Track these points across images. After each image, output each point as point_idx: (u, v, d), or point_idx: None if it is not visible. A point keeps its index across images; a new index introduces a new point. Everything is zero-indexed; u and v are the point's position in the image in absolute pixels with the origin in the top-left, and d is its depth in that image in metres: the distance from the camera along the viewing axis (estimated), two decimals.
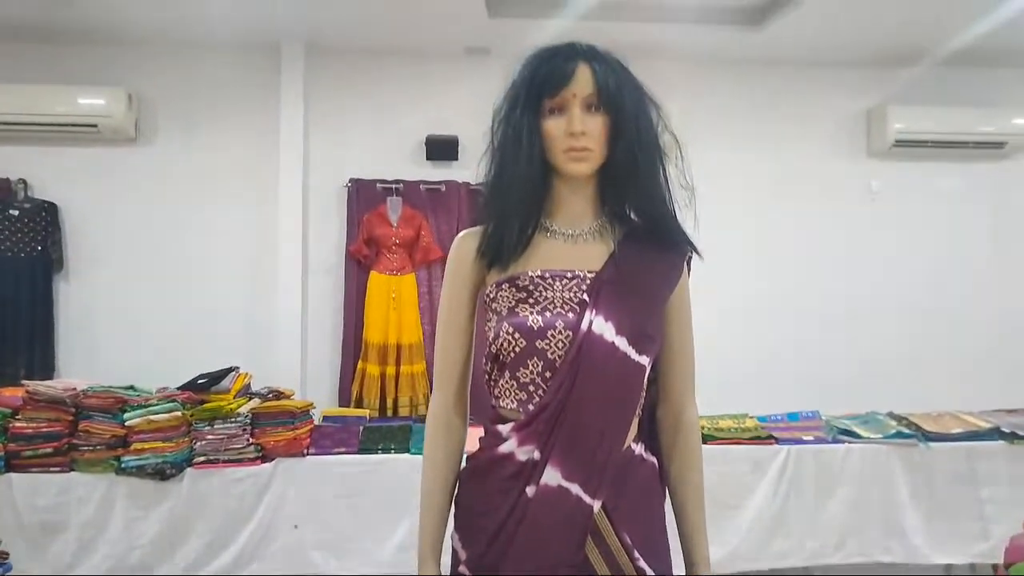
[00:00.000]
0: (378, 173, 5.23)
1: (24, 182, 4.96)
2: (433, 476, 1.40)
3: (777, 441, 3.61)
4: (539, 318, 1.32)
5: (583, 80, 1.31)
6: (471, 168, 5.45)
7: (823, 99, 5.29)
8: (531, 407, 1.31)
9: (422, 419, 4.16)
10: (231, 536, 3.56)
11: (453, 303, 1.43)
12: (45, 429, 3.55)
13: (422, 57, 5.15)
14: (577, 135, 1.31)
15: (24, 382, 3.77)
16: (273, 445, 3.64)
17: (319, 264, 5.18)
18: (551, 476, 1.27)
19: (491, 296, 1.38)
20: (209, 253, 5.12)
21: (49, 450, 3.54)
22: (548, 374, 1.30)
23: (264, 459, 3.64)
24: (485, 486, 1.34)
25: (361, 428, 3.83)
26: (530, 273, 1.34)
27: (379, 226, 5.12)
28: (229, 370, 3.94)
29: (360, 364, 4.96)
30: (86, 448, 3.56)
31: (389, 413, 4.79)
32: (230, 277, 5.12)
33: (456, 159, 5.34)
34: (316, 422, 3.90)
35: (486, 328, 1.40)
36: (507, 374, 1.34)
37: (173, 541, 3.53)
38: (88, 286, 5.02)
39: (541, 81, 1.33)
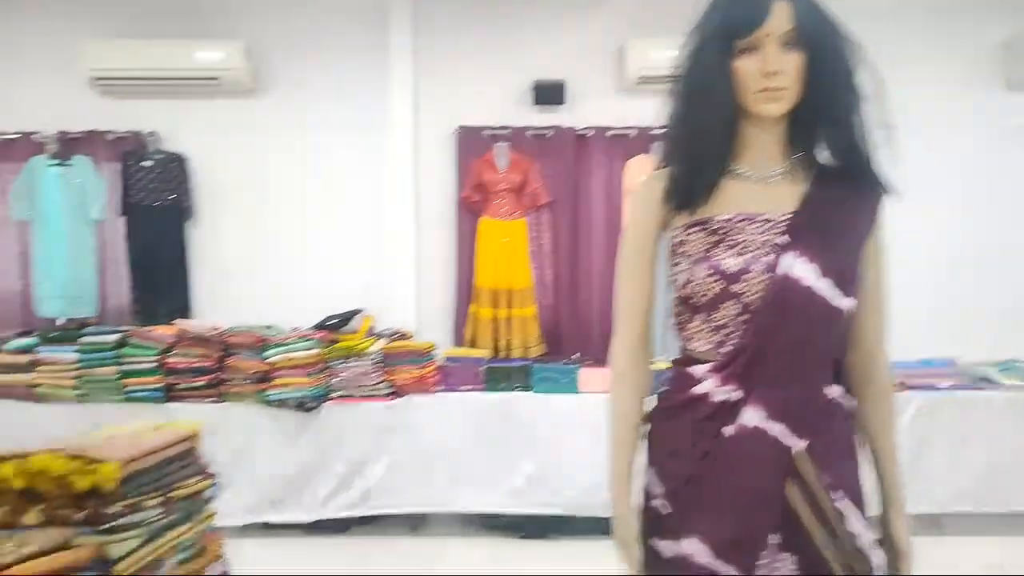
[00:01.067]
0: (486, 119, 5.28)
1: (155, 134, 5.24)
2: (621, 416, 1.44)
3: (910, 388, 3.57)
4: (735, 261, 1.32)
5: (780, 17, 1.29)
6: (578, 112, 5.50)
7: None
8: (726, 349, 1.34)
9: (538, 360, 4.32)
10: (365, 467, 3.81)
11: (637, 246, 1.45)
12: (196, 364, 3.85)
13: (530, 1, 5.12)
14: (772, 75, 1.30)
15: (175, 321, 4.07)
16: (403, 382, 3.84)
17: (430, 211, 5.31)
18: (750, 417, 1.29)
19: (679, 240, 1.39)
20: (326, 201, 5.31)
21: (201, 383, 3.84)
22: (744, 317, 1.31)
23: (395, 395, 3.84)
24: (679, 425, 1.37)
25: (483, 368, 3.98)
26: (722, 216, 1.34)
27: (487, 172, 5.19)
28: (355, 312, 4.15)
29: (472, 307, 5.10)
30: (234, 381, 3.84)
31: (501, 355, 4.93)
32: (345, 223, 5.31)
33: (563, 103, 5.32)
34: (439, 362, 4.07)
35: (673, 272, 1.42)
36: (700, 317, 1.36)
37: (315, 469, 3.80)
38: (216, 233, 5.31)
39: (735, 21, 1.31)
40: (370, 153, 5.30)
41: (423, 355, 3.92)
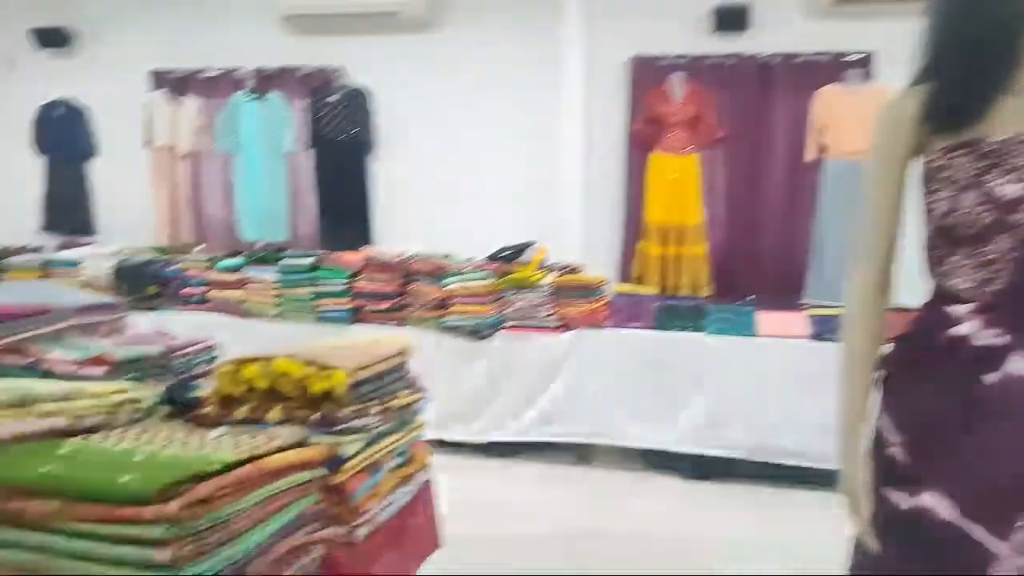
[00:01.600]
0: (661, 49, 5.08)
1: (340, 70, 5.49)
2: (854, 361, 1.34)
3: None
4: (1012, 188, 1.19)
5: None
6: (762, 39, 5.15)
7: None
8: (993, 288, 1.21)
9: (713, 301, 4.20)
10: (536, 395, 3.90)
11: (882, 173, 1.31)
12: (381, 289, 4.08)
13: None
14: None
15: (362, 247, 4.32)
16: (573, 315, 3.87)
17: (600, 144, 5.23)
18: (1018, 365, 1.17)
19: (939, 164, 1.25)
20: (498, 134, 5.37)
21: (385, 307, 4.07)
22: (1017, 252, 1.18)
23: (565, 328, 3.88)
24: (928, 371, 1.26)
25: (655, 306, 3.92)
26: (997, 137, 1.20)
27: (661, 104, 5.01)
28: (528, 244, 4.19)
29: (641, 244, 5.02)
30: (415, 307, 4.04)
31: (669, 294, 4.84)
32: (517, 156, 5.36)
33: (745, 29, 5.00)
34: (609, 297, 4.05)
35: (930, 200, 1.29)
36: (962, 251, 1.23)
37: (489, 394, 3.95)
38: (395, 165, 5.54)
39: None
40: (542, 87, 5.26)
41: (594, 289, 3.91)
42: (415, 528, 1.63)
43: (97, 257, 4.49)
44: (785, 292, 4.67)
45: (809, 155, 4.78)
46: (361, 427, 1.40)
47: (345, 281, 4.12)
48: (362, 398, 1.43)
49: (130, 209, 5.75)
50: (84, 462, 1.03)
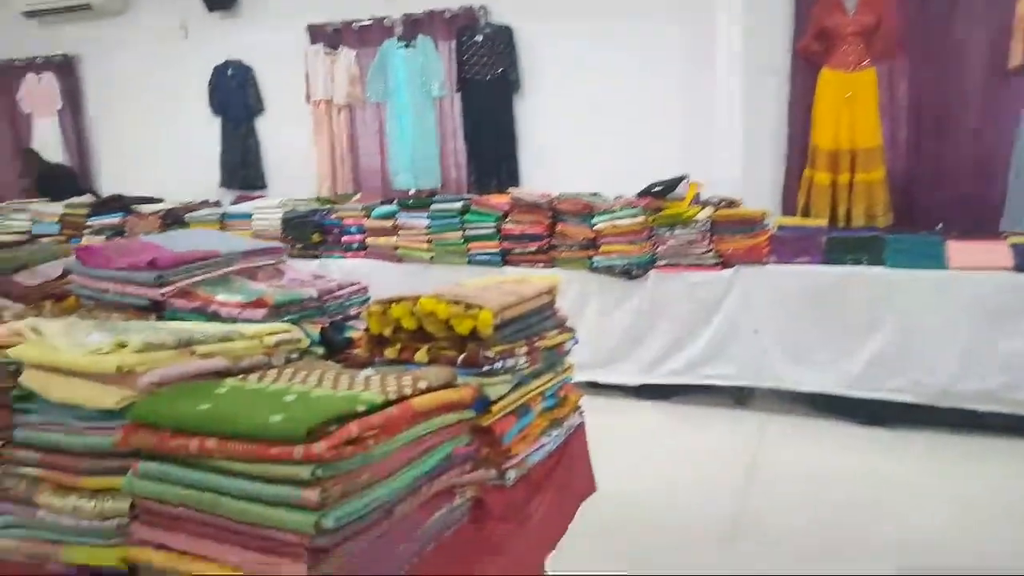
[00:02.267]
0: None
1: (485, 8, 5.40)
2: None
3: None
4: None
5: None
6: None
7: None
8: None
9: (892, 231, 3.80)
10: (691, 336, 3.74)
11: None
12: (529, 231, 4.03)
13: None
14: None
15: (509, 190, 4.28)
16: (732, 251, 3.63)
17: (761, 64, 4.80)
18: None
19: None
20: (647, 62, 5.09)
21: (533, 248, 4.03)
22: None
23: (724, 265, 3.66)
24: None
25: (824, 238, 3.59)
26: None
27: (832, 14, 4.51)
28: (680, 178, 3.97)
29: (807, 172, 4.61)
30: (563, 248, 3.97)
31: (840, 226, 4.43)
32: (669, 83, 5.06)
33: None
34: (771, 231, 3.76)
35: None
36: None
37: (641, 335, 3.83)
38: (541, 104, 5.42)
39: None
40: (694, 5, 4.90)
41: (755, 223, 3.65)
42: (569, 471, 1.58)
43: (266, 209, 4.77)
44: (979, 220, 4.13)
45: (1014, 60, 4.13)
46: (508, 368, 1.35)
47: (493, 224, 4.11)
48: (509, 338, 1.37)
49: (294, 163, 6.07)
50: (240, 401, 1.05)
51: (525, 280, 1.61)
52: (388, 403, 1.06)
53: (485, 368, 1.30)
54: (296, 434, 0.92)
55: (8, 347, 1.26)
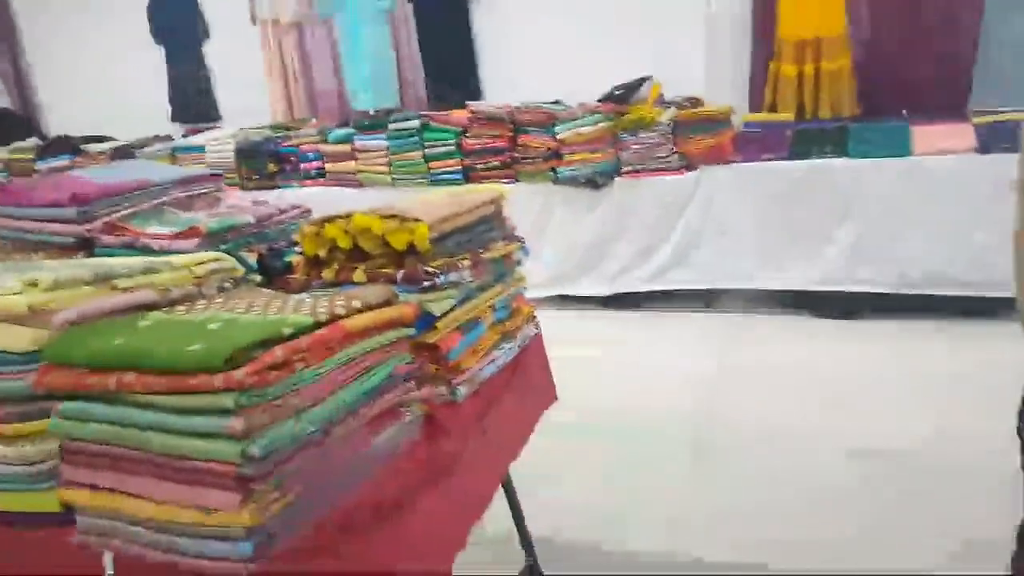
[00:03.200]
0: None
1: None
2: None
3: None
4: None
5: None
6: None
7: None
8: None
9: (856, 120, 3.73)
10: (659, 242, 3.71)
11: None
12: (490, 144, 3.93)
13: None
14: None
15: (468, 103, 4.14)
16: (696, 152, 3.57)
17: None
18: None
19: None
20: None
21: (496, 163, 3.93)
22: None
23: (688, 168, 3.60)
24: None
25: (790, 132, 3.53)
26: None
27: None
28: (642, 80, 3.85)
29: (773, 65, 4.47)
30: (526, 160, 3.87)
31: (808, 118, 4.35)
32: None
33: None
34: (736, 129, 3.68)
35: None
36: None
37: (608, 245, 3.79)
38: (498, 13, 5.19)
39: None
40: None
41: (718, 122, 3.57)
42: (526, 382, 1.56)
43: (218, 141, 4.61)
44: (947, 103, 4.06)
45: None
46: (452, 282, 1.30)
47: (454, 140, 3.99)
48: (450, 251, 1.32)
49: (247, 91, 5.81)
50: (160, 333, 1.00)
51: (468, 191, 1.54)
52: (318, 324, 1.01)
53: (426, 284, 1.25)
54: (214, 362, 0.88)
55: None
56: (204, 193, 1.77)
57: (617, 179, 3.71)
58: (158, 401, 0.91)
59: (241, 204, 1.78)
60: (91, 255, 1.53)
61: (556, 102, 3.98)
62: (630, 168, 3.69)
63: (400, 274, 1.25)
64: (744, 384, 2.96)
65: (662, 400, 2.88)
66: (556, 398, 1.72)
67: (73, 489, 1.00)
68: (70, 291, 1.09)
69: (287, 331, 0.97)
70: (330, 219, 1.30)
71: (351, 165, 4.23)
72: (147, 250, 1.50)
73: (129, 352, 0.94)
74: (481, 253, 1.41)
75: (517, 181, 3.91)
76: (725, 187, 3.53)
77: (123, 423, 0.94)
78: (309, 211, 1.77)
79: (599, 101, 3.85)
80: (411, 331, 1.19)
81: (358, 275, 1.28)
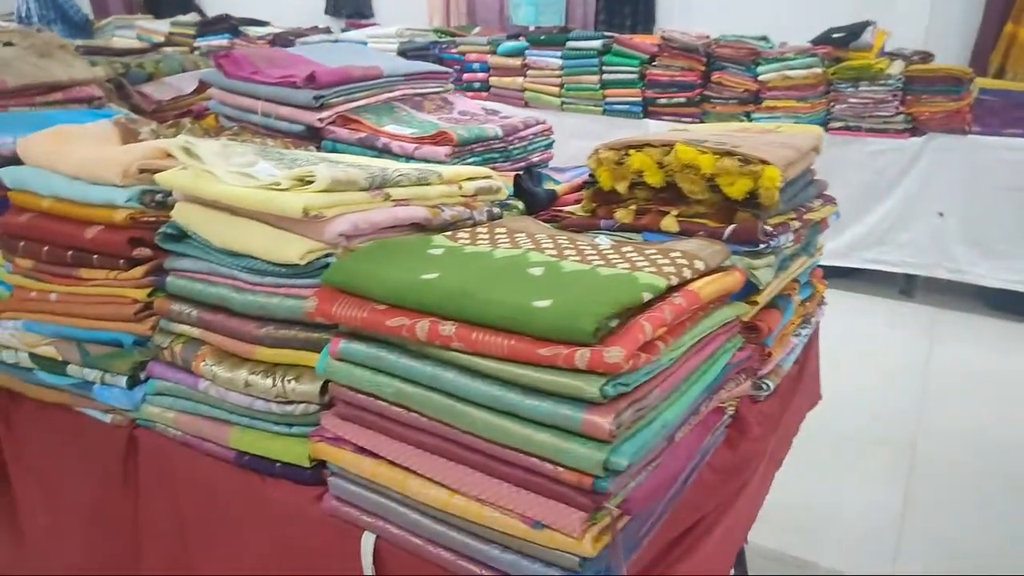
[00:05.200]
0: None
1: None
2: None
3: None
4: None
5: None
6: None
7: None
8: None
9: None
10: (862, 213, 3.28)
11: None
12: (678, 78, 3.54)
13: None
14: None
15: (659, 29, 3.74)
16: (928, 117, 3.08)
17: None
18: None
19: None
20: None
21: (682, 99, 3.55)
22: None
23: (913, 132, 3.13)
24: None
25: None
26: None
27: None
28: (865, 24, 3.34)
29: (1009, 27, 3.86)
30: (718, 100, 3.47)
31: None
32: None
33: None
34: (974, 95, 3.16)
35: None
36: None
37: None
38: None
39: None
40: None
41: (959, 83, 3.06)
42: (805, 377, 1.27)
43: (381, 39, 4.38)
44: None
45: None
46: (775, 247, 1.01)
47: (637, 68, 3.62)
48: (781, 208, 1.02)
49: None
50: (471, 271, 0.76)
51: (780, 129, 1.24)
52: (670, 289, 0.75)
53: (761, 246, 0.97)
54: (578, 329, 0.63)
55: (152, 171, 1.00)
56: (433, 93, 1.53)
57: (824, 134, 3.26)
58: (484, 366, 0.68)
59: (474, 110, 1.53)
60: (317, 148, 1.32)
61: (762, 38, 3.53)
62: (841, 124, 3.24)
63: (730, 229, 0.97)
64: (947, 388, 2.58)
65: (853, 393, 2.54)
66: (820, 396, 1.43)
67: (338, 447, 0.79)
68: (345, 195, 0.87)
69: (646, 295, 0.71)
70: (637, 145, 1.02)
71: (518, 81, 3.93)
72: (385, 152, 1.27)
73: (446, 293, 0.71)
74: (804, 213, 1.11)
75: (702, 122, 3.52)
76: (955, 161, 3.05)
77: (429, 385, 0.71)
78: (550, 129, 1.50)
79: (812, 43, 3.38)
80: (746, 308, 0.92)
81: (669, 222, 1.00)
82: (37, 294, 1.07)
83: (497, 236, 0.91)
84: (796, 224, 1.05)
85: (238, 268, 0.89)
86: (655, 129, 3.61)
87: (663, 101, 3.59)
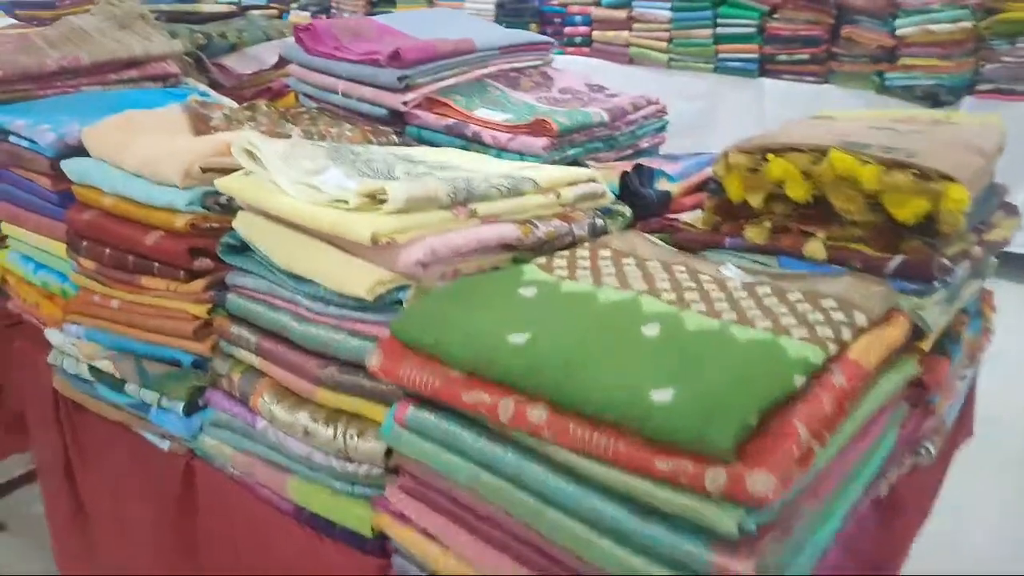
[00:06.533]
0: None
1: None
2: None
3: None
4: None
5: None
6: None
7: None
8: None
9: None
10: (1015, 190, 2.88)
11: None
12: (803, 32, 3.20)
13: None
14: None
15: None
16: None
17: None
18: None
19: None
20: None
21: (805, 56, 3.21)
22: None
23: None
24: None
25: None
26: None
27: None
28: None
29: None
30: (846, 58, 3.12)
31: None
32: None
33: None
34: None
35: None
36: None
37: None
38: None
39: None
40: None
41: None
42: (962, 418, 1.07)
43: None
44: None
45: None
46: (948, 282, 0.81)
47: (756, 21, 3.29)
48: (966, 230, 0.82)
49: None
50: (569, 328, 0.61)
51: (951, 119, 1.01)
52: (823, 364, 0.58)
53: (937, 283, 0.77)
54: (711, 442, 0.47)
55: (217, 171, 0.89)
56: (532, 67, 1.36)
57: (968, 98, 2.89)
58: (581, 467, 0.53)
59: (575, 87, 1.35)
60: (399, 134, 1.19)
61: None
62: (991, 86, 2.85)
63: (896, 262, 0.77)
64: None
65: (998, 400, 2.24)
66: (972, 432, 1.21)
67: (396, 522, 0.67)
68: (422, 215, 0.73)
69: (799, 379, 0.54)
70: (778, 148, 0.83)
71: (623, 35, 3.67)
72: (475, 142, 1.12)
73: (537, 364, 0.56)
74: (984, 233, 0.90)
75: (827, 82, 3.18)
76: None
77: (510, 477, 0.57)
78: (664, 110, 1.31)
79: None
80: (916, 368, 0.73)
81: (814, 248, 0.81)
82: (100, 298, 0.99)
83: (601, 264, 0.76)
84: (977, 250, 0.84)
85: (300, 293, 0.77)
86: (771, 89, 3.30)
87: (783, 58, 3.26)
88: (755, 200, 0.85)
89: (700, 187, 1.05)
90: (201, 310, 0.89)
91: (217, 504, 0.88)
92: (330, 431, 0.74)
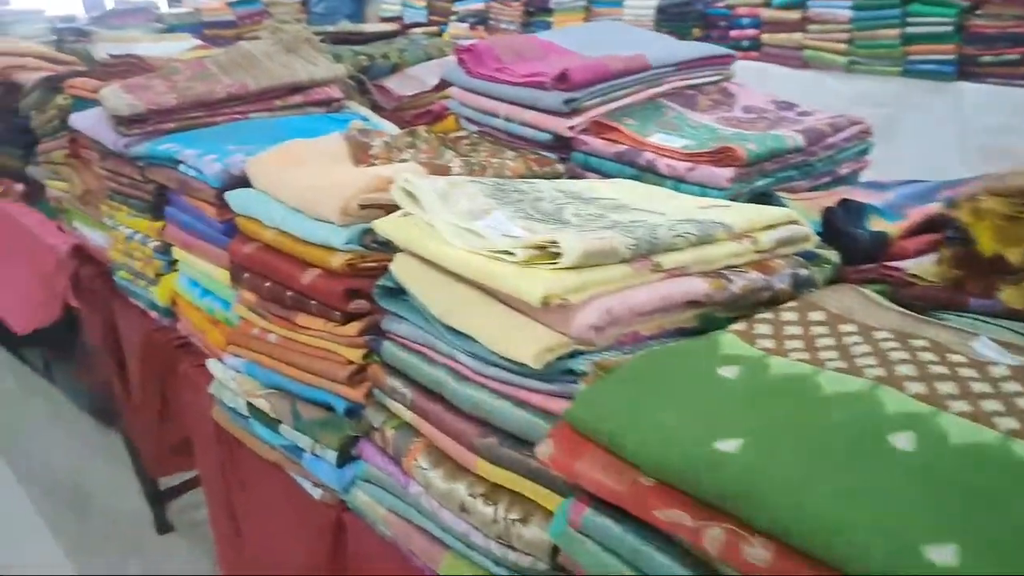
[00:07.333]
0: None
1: None
2: None
3: None
4: None
5: None
6: None
7: None
8: None
9: None
10: None
11: None
12: (1010, 29, 2.81)
13: None
14: None
15: None
16: None
17: None
18: None
19: None
20: None
21: (1014, 57, 2.82)
22: None
23: None
24: None
25: None
26: None
27: None
28: None
29: None
30: None
31: None
32: None
33: None
34: None
35: None
36: None
37: None
38: None
39: None
40: None
41: None
42: None
43: None
44: None
45: None
46: None
47: (953, 18, 2.93)
48: None
49: None
50: (791, 433, 0.48)
51: None
52: None
53: None
54: None
55: (376, 207, 0.84)
56: (710, 83, 1.22)
57: None
58: None
59: (760, 104, 1.20)
60: (563, 160, 1.10)
61: None
62: None
63: None
64: None
65: None
66: None
67: None
68: (599, 272, 0.63)
69: None
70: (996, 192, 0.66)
71: (796, 38, 3.39)
72: (649, 172, 1.01)
73: (755, 483, 0.44)
74: None
75: None
76: None
77: None
78: (868, 130, 1.13)
79: None
80: None
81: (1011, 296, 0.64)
82: (259, 331, 0.98)
83: (815, 334, 0.62)
84: None
85: (459, 348, 0.70)
86: (972, 94, 2.92)
87: (987, 59, 2.88)
88: (1015, 255, 0.68)
89: (925, 229, 0.87)
90: (356, 355, 0.84)
91: (367, 562, 0.83)
92: (490, 510, 0.65)
